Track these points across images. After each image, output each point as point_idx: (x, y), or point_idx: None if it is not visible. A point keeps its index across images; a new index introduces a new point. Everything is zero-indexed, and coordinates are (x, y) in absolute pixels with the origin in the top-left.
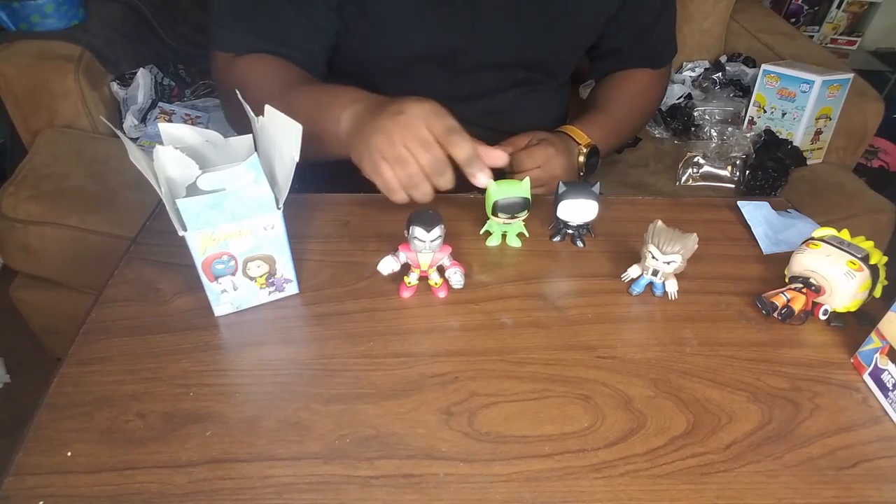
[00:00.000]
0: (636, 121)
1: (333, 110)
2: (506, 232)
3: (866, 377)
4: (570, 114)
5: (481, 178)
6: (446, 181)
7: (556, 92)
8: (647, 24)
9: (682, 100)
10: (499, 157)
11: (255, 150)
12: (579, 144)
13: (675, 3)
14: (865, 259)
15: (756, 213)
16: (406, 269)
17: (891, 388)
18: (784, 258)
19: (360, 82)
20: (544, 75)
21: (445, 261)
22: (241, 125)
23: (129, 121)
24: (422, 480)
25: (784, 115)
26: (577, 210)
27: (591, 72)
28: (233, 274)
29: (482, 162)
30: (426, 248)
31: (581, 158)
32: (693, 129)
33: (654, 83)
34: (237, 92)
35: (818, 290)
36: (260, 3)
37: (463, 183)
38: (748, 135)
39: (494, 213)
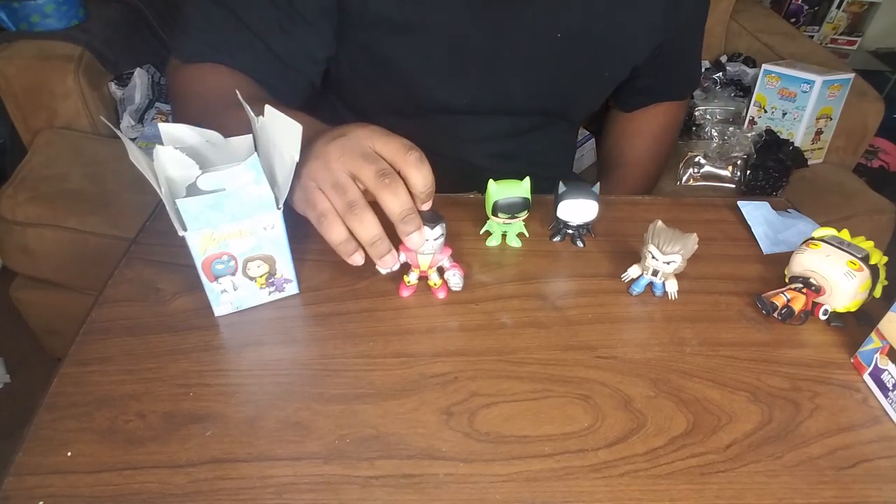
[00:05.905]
0: (660, 164)
1: None
2: (506, 232)
3: (866, 377)
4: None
5: (413, 239)
6: (400, 202)
7: (567, 133)
8: (679, 58)
9: None
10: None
11: (255, 150)
12: None
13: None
14: (865, 259)
15: (756, 213)
16: (406, 268)
17: (891, 388)
18: (784, 258)
19: (365, 118)
20: (562, 120)
21: (445, 262)
22: None
23: (126, 121)
24: (422, 480)
25: (784, 115)
26: (577, 210)
27: (616, 103)
28: (233, 274)
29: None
30: (427, 247)
31: None
32: (694, 128)
33: (676, 118)
34: (237, 92)
35: (818, 290)
36: (245, 4)
37: (463, 183)
38: (749, 135)
39: (494, 213)
